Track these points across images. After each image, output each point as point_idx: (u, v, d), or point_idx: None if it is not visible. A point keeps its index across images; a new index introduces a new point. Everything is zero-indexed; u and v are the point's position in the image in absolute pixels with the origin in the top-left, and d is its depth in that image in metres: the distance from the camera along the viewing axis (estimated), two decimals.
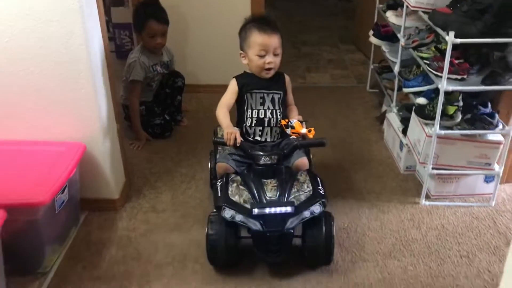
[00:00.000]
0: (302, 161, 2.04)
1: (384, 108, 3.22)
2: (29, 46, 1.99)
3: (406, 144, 2.57)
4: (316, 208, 1.83)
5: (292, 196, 1.86)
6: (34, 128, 2.16)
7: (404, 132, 2.60)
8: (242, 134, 2.03)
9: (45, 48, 1.99)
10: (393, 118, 2.83)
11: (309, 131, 1.93)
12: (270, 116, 2.08)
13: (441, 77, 2.13)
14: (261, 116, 2.08)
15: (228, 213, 1.82)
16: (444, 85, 2.12)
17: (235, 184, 1.92)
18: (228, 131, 1.92)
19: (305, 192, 1.88)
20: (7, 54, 2.00)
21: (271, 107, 2.09)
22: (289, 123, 1.96)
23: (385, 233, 2.20)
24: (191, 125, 3.17)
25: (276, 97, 2.09)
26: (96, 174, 2.28)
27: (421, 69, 2.51)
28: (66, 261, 2.05)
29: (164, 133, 2.98)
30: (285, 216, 1.80)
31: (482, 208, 2.37)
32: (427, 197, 2.41)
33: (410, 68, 2.68)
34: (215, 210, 1.91)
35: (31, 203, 1.82)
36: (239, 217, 1.81)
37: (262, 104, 2.08)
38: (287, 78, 2.17)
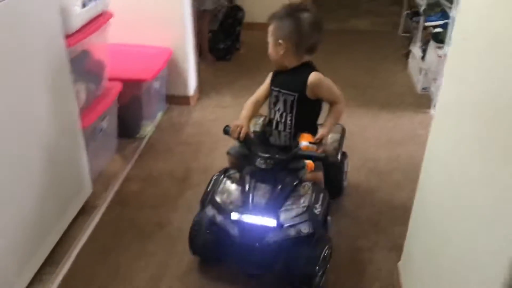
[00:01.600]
0: (315, 175, 1.78)
1: (411, 47, 3.79)
2: None
3: (424, 68, 3.15)
4: (304, 228, 1.58)
5: (284, 208, 1.62)
6: (139, 36, 2.90)
7: (423, 58, 3.18)
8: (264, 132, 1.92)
9: None
10: (416, 50, 3.40)
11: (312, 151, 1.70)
12: (279, 120, 1.84)
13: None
14: (272, 116, 1.88)
15: (209, 211, 1.68)
16: (455, 14, 2.69)
17: (229, 181, 1.74)
18: (236, 123, 1.76)
19: (298, 207, 1.62)
20: None
21: (282, 109, 1.82)
22: (299, 145, 1.73)
23: (397, 129, 2.82)
24: (247, 52, 3.87)
25: (289, 99, 1.79)
26: (178, 74, 3.00)
27: (440, 8, 3.07)
28: (156, 132, 2.80)
29: (226, 55, 3.69)
30: (266, 229, 1.59)
31: None
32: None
33: (432, 7, 3.24)
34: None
35: (138, 79, 2.56)
36: (219, 218, 1.66)
37: (275, 103, 1.84)
38: (311, 78, 1.74)
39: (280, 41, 1.73)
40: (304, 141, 1.72)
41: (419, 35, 3.49)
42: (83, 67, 2.19)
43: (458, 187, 1.24)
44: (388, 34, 4.32)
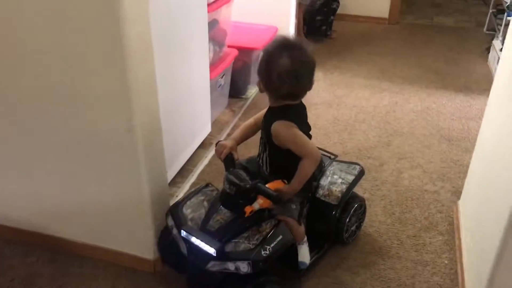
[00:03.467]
0: (285, 219, 1.63)
1: (493, 41, 4.06)
2: None
3: None
4: (243, 267, 1.48)
5: (237, 239, 1.53)
6: (252, 15, 3.46)
7: (501, 50, 3.46)
8: None
9: None
10: (497, 43, 3.68)
11: (250, 208, 1.55)
12: (260, 154, 1.75)
13: None
14: (259, 151, 1.78)
15: (169, 221, 1.65)
16: None
17: (202, 198, 1.71)
18: (222, 142, 1.71)
19: (249, 243, 1.53)
20: None
21: (261, 145, 1.74)
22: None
23: (471, 109, 3.14)
24: (337, 38, 4.33)
25: (264, 137, 1.69)
26: None
27: None
28: (258, 94, 3.32)
29: (319, 39, 4.18)
30: (208, 255, 1.51)
31: None
32: None
33: None
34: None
35: (250, 47, 3.10)
36: (174, 231, 1.62)
37: (260, 139, 1.74)
38: (272, 127, 1.60)
39: (258, 78, 1.62)
40: (269, 187, 1.58)
41: (502, 29, 3.76)
42: (213, 32, 2.76)
43: (500, 139, 1.64)
44: (472, 31, 4.60)
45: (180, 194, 2.31)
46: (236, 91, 3.22)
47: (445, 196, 2.31)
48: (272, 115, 1.64)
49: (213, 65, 2.72)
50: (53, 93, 1.61)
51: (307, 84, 1.59)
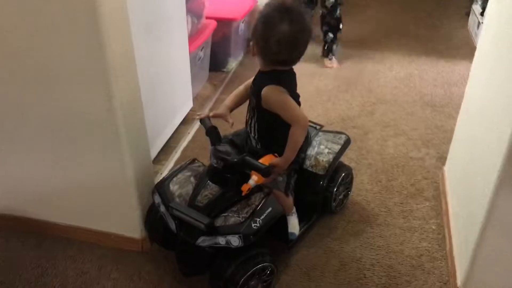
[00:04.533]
0: (271, 192, 1.62)
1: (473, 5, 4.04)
2: None
3: (482, 23, 3.42)
4: (234, 241, 1.47)
5: (226, 214, 1.53)
6: None
7: (482, 14, 3.45)
8: None
9: None
10: (476, 8, 3.67)
11: (247, 185, 1.53)
12: (249, 121, 1.69)
13: None
14: (247, 118, 1.71)
15: (156, 198, 1.62)
16: None
17: (188, 174, 1.68)
18: (214, 111, 1.68)
19: (238, 217, 1.52)
20: None
21: (250, 110, 1.68)
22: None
23: (453, 74, 3.14)
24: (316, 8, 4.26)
25: (253, 101, 1.63)
26: None
27: None
28: (239, 67, 3.28)
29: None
30: (197, 231, 1.49)
31: None
32: None
33: None
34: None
35: (229, 18, 3.03)
36: (162, 208, 1.59)
37: (249, 102, 1.69)
38: (263, 92, 1.55)
39: (251, 41, 1.58)
40: (261, 162, 1.52)
41: None
42: (190, 3, 2.67)
43: (484, 102, 1.63)
44: None
45: (165, 171, 2.27)
46: (216, 64, 3.16)
47: (430, 162, 2.32)
48: (262, 79, 1.59)
49: (191, 38, 2.65)
50: (27, 72, 1.54)
51: (303, 52, 1.55)
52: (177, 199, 1.59)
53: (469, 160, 1.79)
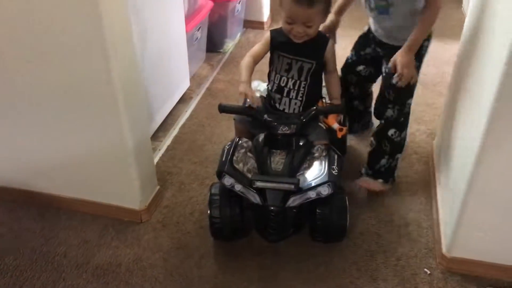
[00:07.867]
0: (320, 143, 1.76)
1: None
2: None
3: None
4: (324, 190, 1.61)
5: (301, 172, 1.67)
6: None
7: None
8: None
9: None
10: None
11: (340, 129, 1.78)
12: (292, 87, 1.82)
13: None
14: (282, 84, 1.83)
15: (228, 181, 1.65)
16: None
17: (243, 150, 1.73)
18: (241, 90, 1.72)
19: (315, 170, 1.66)
20: None
21: (296, 77, 1.80)
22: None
23: (446, 53, 3.19)
24: None
25: (306, 66, 1.79)
26: (255, 2, 3.50)
27: None
28: (236, 48, 3.33)
29: None
30: (286, 194, 1.60)
31: None
32: None
33: None
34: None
35: None
36: (238, 187, 1.64)
37: (287, 71, 1.81)
38: (330, 45, 1.80)
39: (313, 22, 1.69)
40: (334, 125, 1.78)
41: None
42: None
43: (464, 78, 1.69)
44: None
45: (163, 147, 2.34)
46: (213, 45, 3.21)
47: (420, 138, 2.39)
48: (315, 41, 1.76)
49: (188, 18, 2.70)
50: (26, 45, 1.59)
51: None
52: (248, 175, 1.65)
53: (454, 133, 1.86)
